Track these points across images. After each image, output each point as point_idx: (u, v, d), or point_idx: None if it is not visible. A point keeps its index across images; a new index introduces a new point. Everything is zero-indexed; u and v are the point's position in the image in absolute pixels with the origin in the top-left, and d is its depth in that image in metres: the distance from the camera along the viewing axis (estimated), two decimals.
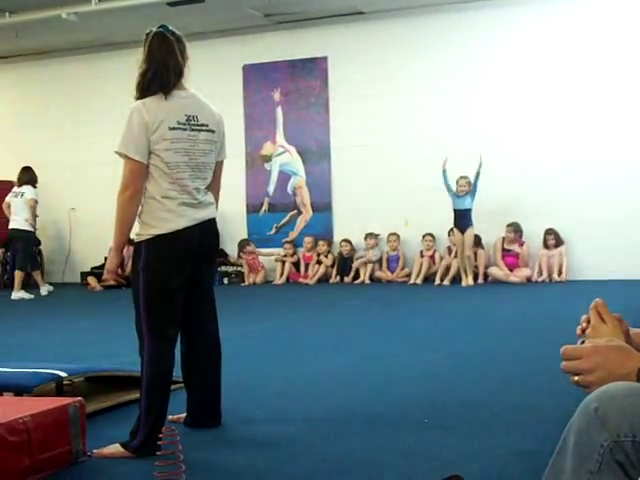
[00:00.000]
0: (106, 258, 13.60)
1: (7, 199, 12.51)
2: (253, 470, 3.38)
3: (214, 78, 12.35)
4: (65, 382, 4.23)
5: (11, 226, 12.34)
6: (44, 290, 12.46)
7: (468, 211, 11.54)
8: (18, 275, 12.31)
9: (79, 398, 3.60)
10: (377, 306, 9.47)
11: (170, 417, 3.77)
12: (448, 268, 11.97)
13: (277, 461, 3.48)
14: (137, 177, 3.67)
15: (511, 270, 11.75)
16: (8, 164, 14.76)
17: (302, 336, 7.30)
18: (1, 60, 15.25)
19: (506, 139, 12.20)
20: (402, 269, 12.57)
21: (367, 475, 3.24)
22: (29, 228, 12.31)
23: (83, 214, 14.30)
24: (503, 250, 11.88)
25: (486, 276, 11.87)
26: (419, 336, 7.03)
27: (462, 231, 11.53)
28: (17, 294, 12.10)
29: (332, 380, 5.26)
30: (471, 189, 11.50)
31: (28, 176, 12.45)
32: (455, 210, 11.66)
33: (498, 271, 11.77)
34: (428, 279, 12.13)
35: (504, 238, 11.88)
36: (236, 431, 4.04)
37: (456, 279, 11.81)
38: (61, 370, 4.30)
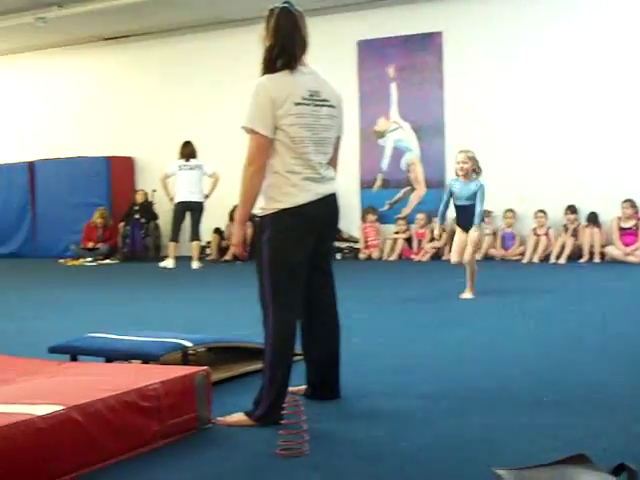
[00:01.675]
0: (220, 232, 13.91)
1: (168, 171, 12.73)
2: (372, 442, 3.43)
3: (328, 54, 12.38)
4: (190, 352, 4.36)
5: (184, 198, 12.50)
6: (195, 264, 12.66)
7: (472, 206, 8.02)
8: (196, 246, 12.67)
9: (206, 367, 3.71)
10: (491, 283, 9.40)
11: (290, 389, 3.85)
12: (564, 246, 11.79)
13: (395, 435, 3.52)
14: (262, 152, 3.74)
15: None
16: (134, 141, 15.22)
17: (415, 311, 7.32)
18: (125, 39, 15.62)
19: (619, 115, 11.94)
20: (518, 246, 12.45)
21: (486, 451, 3.25)
22: (203, 200, 12.60)
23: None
24: (620, 229, 11.62)
25: (602, 255, 11.63)
26: (537, 314, 6.96)
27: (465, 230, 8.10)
28: (197, 264, 12.50)
29: (448, 356, 5.27)
30: (478, 170, 8.10)
31: (192, 149, 12.74)
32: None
33: (615, 250, 11.53)
34: (543, 257, 11.97)
35: (619, 217, 11.62)
36: (354, 404, 4.09)
37: (573, 257, 11.63)
38: (186, 340, 4.44)
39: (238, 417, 3.73)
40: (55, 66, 16.55)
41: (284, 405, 3.48)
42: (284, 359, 3.74)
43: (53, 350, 4.60)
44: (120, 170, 15.43)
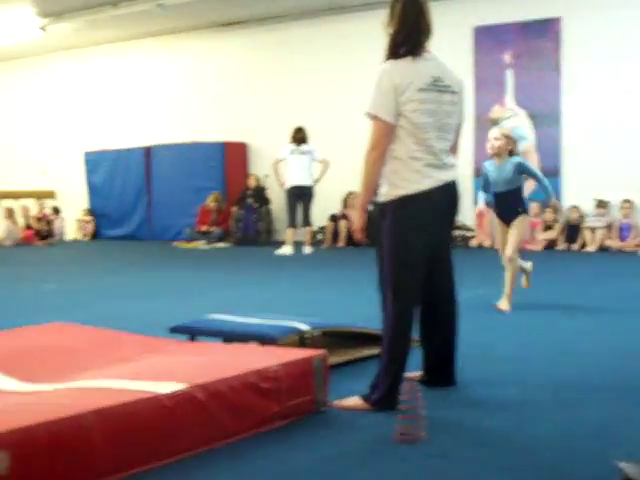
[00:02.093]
0: (334, 218, 13.97)
1: (280, 156, 12.87)
2: (489, 431, 3.42)
3: (444, 40, 12.26)
4: (306, 335, 4.41)
5: (296, 183, 12.64)
6: (307, 249, 12.79)
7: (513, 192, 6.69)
8: (308, 231, 12.86)
9: (323, 351, 3.75)
10: (606, 274, 9.21)
11: (406, 374, 3.86)
12: None
13: (512, 424, 3.50)
14: (385, 138, 3.75)
15: None
16: (247, 127, 15.41)
17: (530, 300, 7.22)
18: (241, 25, 15.79)
19: None
20: (634, 238, 12.15)
21: (605, 443, 3.20)
22: (313, 184, 12.74)
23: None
24: None
25: None
26: None
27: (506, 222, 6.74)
28: (309, 249, 12.69)
29: (566, 346, 5.20)
30: (514, 152, 6.74)
31: (303, 135, 12.89)
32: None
33: None
34: None
35: None
36: (470, 392, 4.08)
37: None
38: (303, 323, 4.49)
39: (354, 401, 3.76)
40: (172, 53, 16.86)
41: (401, 391, 3.50)
42: (402, 345, 3.75)
43: (174, 330, 4.71)
44: (234, 155, 15.66)
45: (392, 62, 3.80)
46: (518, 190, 6.64)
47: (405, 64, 3.78)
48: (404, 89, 3.72)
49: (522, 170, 6.58)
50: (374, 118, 3.77)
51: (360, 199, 3.88)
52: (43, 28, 15.37)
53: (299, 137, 12.79)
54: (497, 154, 6.59)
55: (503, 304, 6.63)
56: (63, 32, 16.05)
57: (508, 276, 6.63)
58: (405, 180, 3.76)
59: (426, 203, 3.77)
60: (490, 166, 6.71)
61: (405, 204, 3.75)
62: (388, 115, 3.73)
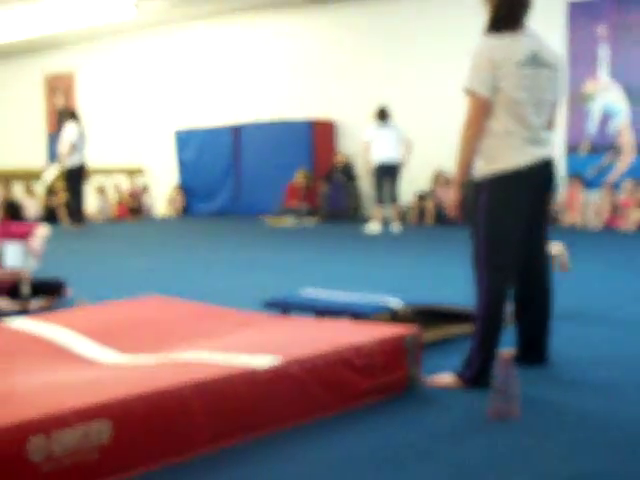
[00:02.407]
0: (421, 196, 13.90)
1: (367, 137, 12.80)
2: (583, 410, 3.38)
3: (538, 15, 12.08)
4: (399, 313, 4.41)
5: (383, 159, 12.56)
6: (395, 227, 12.75)
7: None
8: (395, 208, 12.85)
9: (416, 328, 3.76)
10: None
11: (499, 352, 3.83)
12: None
13: (606, 404, 3.45)
14: (482, 113, 3.71)
15: None
16: (335, 105, 15.42)
17: (623, 281, 7.10)
18: (331, 1, 15.76)
19: None
20: None
21: None
22: (400, 160, 12.69)
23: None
24: None
25: None
26: None
27: None
28: (396, 226, 12.68)
29: None
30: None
31: (387, 113, 12.83)
32: None
33: None
34: None
35: None
36: (563, 370, 4.03)
37: None
38: (395, 301, 4.50)
39: (448, 378, 3.75)
40: (262, 30, 16.92)
41: (494, 368, 3.48)
42: (495, 323, 3.73)
43: (267, 304, 4.77)
44: (322, 133, 15.69)
45: (490, 37, 3.75)
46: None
47: (504, 39, 3.73)
48: (502, 64, 3.67)
49: None
50: (471, 93, 3.73)
51: (456, 175, 3.85)
52: (136, 5, 15.60)
53: (382, 115, 12.75)
54: None
55: None
56: (155, 9, 16.26)
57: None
58: (502, 156, 3.72)
59: (523, 180, 3.73)
60: None
61: (501, 180, 3.71)
62: (486, 90, 3.68)
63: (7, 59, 21.37)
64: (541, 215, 3.99)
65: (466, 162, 3.78)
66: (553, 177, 3.92)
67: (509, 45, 3.71)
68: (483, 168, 3.76)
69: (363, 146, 12.83)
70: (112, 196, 17.96)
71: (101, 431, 2.60)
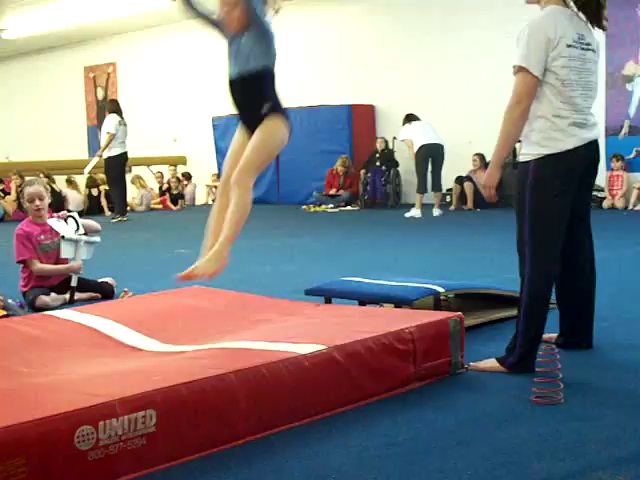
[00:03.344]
0: (461, 180, 13.83)
1: (406, 136, 12.90)
2: (629, 394, 3.35)
3: None
4: (442, 297, 4.40)
5: (426, 141, 12.58)
6: (436, 212, 12.73)
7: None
8: (438, 194, 12.87)
9: (459, 313, 3.75)
10: None
11: (543, 337, 3.81)
12: None
13: None
14: (531, 93, 3.63)
15: None
16: (375, 89, 15.39)
17: None
18: None
19: None
20: None
21: None
22: (443, 143, 12.73)
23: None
24: None
25: None
26: None
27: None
28: (438, 211, 12.69)
29: None
30: None
31: (415, 116, 12.98)
32: None
33: None
34: None
35: None
36: (607, 355, 4.00)
37: None
38: (438, 285, 4.49)
39: (491, 363, 3.74)
40: (299, 16, 16.88)
41: (538, 353, 3.47)
42: (539, 308, 3.70)
43: (309, 292, 4.78)
44: (361, 118, 15.64)
45: (544, 15, 3.69)
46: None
47: (557, 18, 3.66)
48: (555, 44, 3.60)
49: None
50: (522, 71, 3.63)
51: (496, 155, 3.77)
52: None
53: (413, 116, 12.97)
54: None
55: None
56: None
57: None
58: (549, 139, 3.65)
59: (570, 162, 3.67)
60: None
61: (548, 163, 3.65)
62: (537, 69, 3.60)
63: (48, 51, 21.56)
64: (586, 198, 3.95)
65: (509, 142, 3.71)
66: (598, 159, 3.88)
67: (561, 24, 3.64)
68: (530, 151, 3.70)
69: (407, 144, 12.86)
70: (153, 186, 18.09)
71: (147, 420, 2.63)
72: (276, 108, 3.96)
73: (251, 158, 3.93)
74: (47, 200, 6.09)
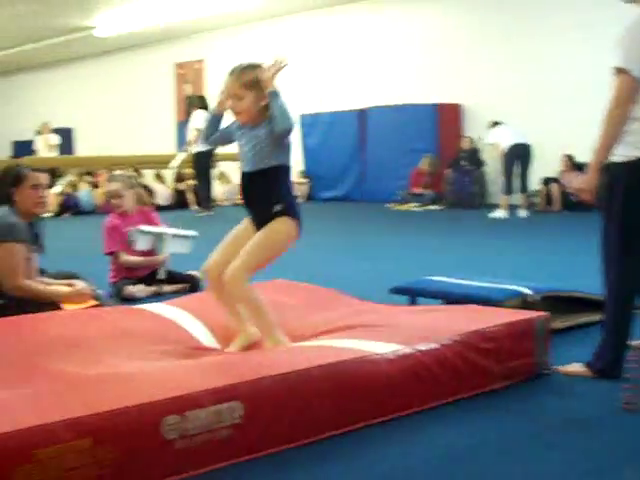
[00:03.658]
0: (547, 182, 13.63)
1: (494, 140, 12.91)
2: None
3: None
4: (529, 299, 4.35)
5: (514, 141, 12.52)
6: (523, 213, 12.58)
7: None
8: (524, 196, 12.74)
9: (545, 313, 3.70)
10: None
11: (631, 342, 3.74)
12: None
13: None
14: (631, 95, 3.49)
15: None
16: (461, 88, 15.28)
17: None
18: None
19: None
20: None
21: None
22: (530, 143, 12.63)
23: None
24: None
25: None
26: None
27: None
28: (524, 212, 12.55)
29: None
30: None
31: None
32: None
33: None
34: None
35: None
36: None
37: None
38: (525, 287, 4.44)
39: (577, 367, 3.68)
40: (388, 14, 16.88)
41: (625, 359, 3.40)
42: (626, 313, 3.61)
43: (394, 291, 4.78)
44: (448, 117, 15.53)
45: None
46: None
47: None
48: None
49: None
50: (622, 73, 3.49)
51: (594, 158, 3.66)
52: None
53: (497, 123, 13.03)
54: None
55: None
56: None
57: None
58: None
59: None
60: None
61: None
62: (638, 71, 3.45)
63: (140, 48, 21.93)
64: None
65: (608, 145, 3.57)
66: None
67: None
68: (622, 153, 3.58)
69: (494, 147, 12.78)
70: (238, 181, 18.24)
71: (233, 412, 2.66)
72: (287, 210, 3.80)
73: (251, 255, 3.75)
74: (129, 195, 6.20)
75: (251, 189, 3.89)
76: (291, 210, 3.82)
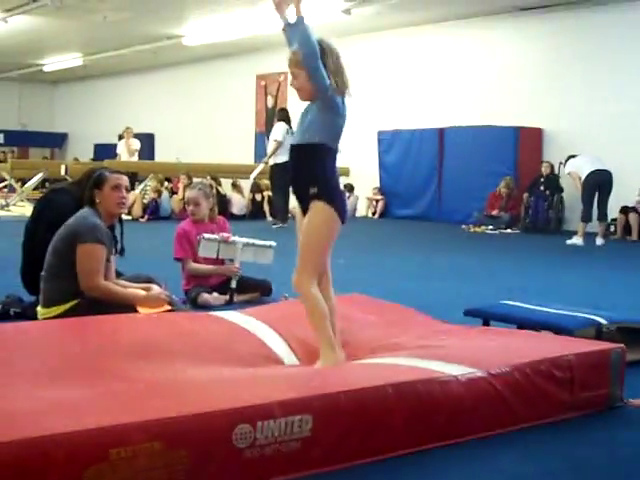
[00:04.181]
0: (626, 210, 13.41)
1: (573, 169, 12.73)
2: None
3: None
4: (604, 329, 4.29)
5: (594, 167, 12.35)
6: (599, 241, 12.33)
7: None
8: (603, 224, 12.55)
9: (621, 345, 3.65)
10: None
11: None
12: None
13: None
14: None
15: None
16: (543, 112, 15.16)
17: None
18: (541, 9, 15.47)
19: None
20: None
21: None
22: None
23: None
24: None
25: None
26: None
27: None
28: (601, 240, 12.33)
29: None
30: None
31: None
32: None
33: None
34: None
35: None
36: None
37: None
38: (600, 316, 4.38)
39: None
40: (470, 36, 16.82)
41: None
42: None
43: (467, 313, 4.76)
44: (528, 140, 15.39)
45: None
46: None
47: None
48: None
49: None
50: None
51: None
52: (347, 11, 15.78)
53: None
54: None
55: None
56: (366, 15, 16.44)
57: None
58: None
59: None
60: None
61: None
62: None
63: (224, 58, 22.16)
64: None
65: None
66: None
67: None
68: None
69: (573, 177, 12.65)
70: None
71: (303, 424, 2.68)
72: (321, 193, 3.76)
73: (302, 259, 3.79)
74: (205, 204, 6.28)
75: (294, 166, 3.95)
76: (327, 194, 3.76)
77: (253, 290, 6.28)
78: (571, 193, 13.95)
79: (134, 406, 2.67)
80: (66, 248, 4.62)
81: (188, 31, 19.22)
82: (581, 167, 12.45)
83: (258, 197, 16.76)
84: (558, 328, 4.18)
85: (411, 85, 17.89)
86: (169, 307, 4.84)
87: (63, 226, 4.72)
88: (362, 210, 18.38)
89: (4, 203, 16.75)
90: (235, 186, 17.00)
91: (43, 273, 4.75)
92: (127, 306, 4.59)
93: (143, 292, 4.83)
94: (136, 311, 4.61)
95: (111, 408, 2.66)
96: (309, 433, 2.70)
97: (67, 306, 4.60)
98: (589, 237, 12.26)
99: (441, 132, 16.56)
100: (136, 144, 17.92)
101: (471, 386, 3.15)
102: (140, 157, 18.38)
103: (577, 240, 12.20)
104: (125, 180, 4.94)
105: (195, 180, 15.22)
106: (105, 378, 3.16)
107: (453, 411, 3.09)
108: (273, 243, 6.49)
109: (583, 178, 12.33)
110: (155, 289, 4.89)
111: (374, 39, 18.53)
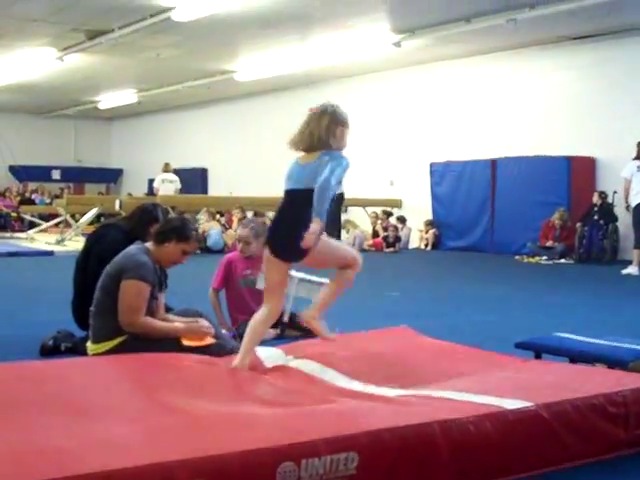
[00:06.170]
0: None
1: (626, 175, 12.55)
2: None
3: None
4: None
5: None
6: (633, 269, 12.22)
7: None
8: (636, 253, 12.38)
9: None
10: None
11: None
12: None
13: None
14: None
15: None
16: (596, 141, 15.00)
17: None
18: (592, 38, 15.36)
19: None
20: None
21: None
22: None
23: None
24: None
25: None
26: None
27: None
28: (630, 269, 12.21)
29: None
30: None
31: None
32: None
33: None
34: None
35: None
36: None
37: None
38: None
39: None
40: (518, 67, 16.75)
41: None
42: None
43: (519, 346, 4.68)
44: (581, 170, 15.22)
45: None
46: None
47: None
48: None
49: None
50: None
51: None
52: (397, 44, 15.82)
53: None
54: None
55: None
56: (415, 47, 16.47)
57: None
58: None
59: None
60: None
61: None
62: None
63: (275, 94, 22.32)
64: None
65: None
66: None
67: None
68: None
69: (624, 183, 12.44)
70: (367, 227, 18.32)
71: (348, 462, 2.64)
72: None
73: None
74: (255, 244, 6.22)
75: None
76: None
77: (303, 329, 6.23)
78: (626, 222, 13.74)
79: (180, 443, 2.65)
80: (113, 284, 4.62)
81: (240, 67, 19.40)
82: (634, 186, 12.23)
83: None
84: (611, 361, 4.09)
85: (462, 116, 17.84)
86: (212, 340, 4.80)
87: (111, 262, 4.74)
88: (415, 242, 18.29)
89: (60, 238, 16.98)
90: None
91: (92, 309, 4.76)
92: (172, 340, 4.58)
93: (182, 325, 4.79)
94: (180, 345, 4.58)
95: (154, 445, 2.64)
96: (354, 471, 2.66)
97: (115, 342, 4.60)
98: None
99: (493, 163, 16.47)
100: (172, 178, 18.24)
101: (522, 421, 3.09)
102: (192, 191, 18.52)
103: (633, 270, 12.01)
104: (195, 249, 5.08)
105: (249, 215, 15.30)
106: (150, 414, 3.15)
107: (504, 447, 3.02)
108: (326, 280, 6.43)
109: (633, 206, 12.15)
110: (202, 322, 4.86)
111: (425, 71, 18.54)
